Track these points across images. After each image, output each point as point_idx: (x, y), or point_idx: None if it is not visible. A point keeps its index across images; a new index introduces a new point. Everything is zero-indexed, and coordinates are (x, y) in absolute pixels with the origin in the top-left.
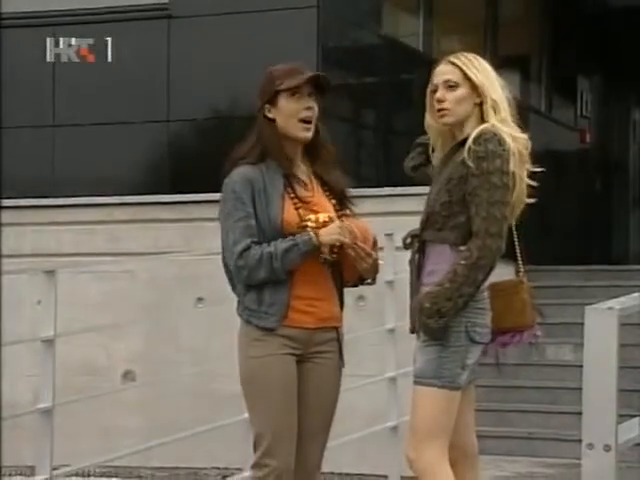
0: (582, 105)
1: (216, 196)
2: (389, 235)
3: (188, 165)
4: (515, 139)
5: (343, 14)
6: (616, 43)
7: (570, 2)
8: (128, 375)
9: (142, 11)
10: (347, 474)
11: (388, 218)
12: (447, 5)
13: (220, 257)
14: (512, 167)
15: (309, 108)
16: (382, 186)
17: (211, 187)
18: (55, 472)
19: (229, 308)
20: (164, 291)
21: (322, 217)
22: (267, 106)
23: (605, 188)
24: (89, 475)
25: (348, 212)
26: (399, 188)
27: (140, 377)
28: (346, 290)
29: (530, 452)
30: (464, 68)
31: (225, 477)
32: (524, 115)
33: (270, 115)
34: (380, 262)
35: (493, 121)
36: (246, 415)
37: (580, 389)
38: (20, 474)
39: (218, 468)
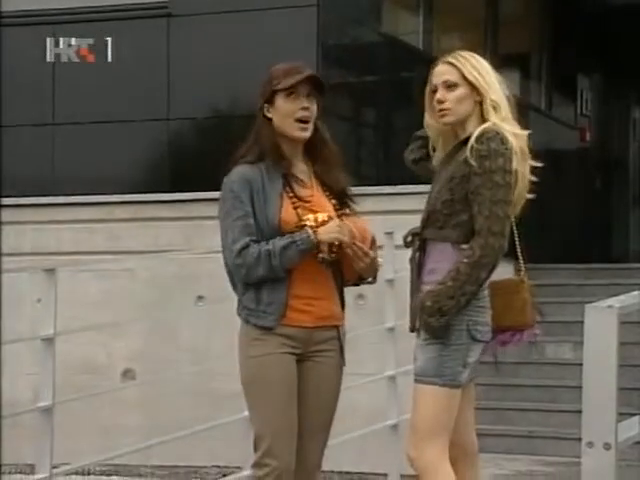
0: (582, 103)
1: (216, 194)
2: (389, 234)
3: (188, 164)
4: (516, 136)
5: (343, 12)
6: (616, 41)
7: (570, 0)
8: (128, 374)
9: (142, 10)
10: (347, 472)
11: (388, 217)
12: (447, 3)
13: (221, 256)
14: (514, 165)
15: (305, 108)
16: (382, 185)
17: (211, 185)
18: (55, 470)
19: (229, 307)
20: (164, 290)
21: (321, 217)
22: (266, 105)
23: (605, 186)
24: (89, 473)
25: (348, 211)
26: (399, 187)
27: (140, 375)
28: (346, 289)
29: (530, 450)
30: (461, 68)
31: (225, 475)
32: (524, 113)
33: (269, 114)
34: (380, 260)
35: (494, 119)
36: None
37: (580, 387)
38: (20, 472)
39: (218, 466)
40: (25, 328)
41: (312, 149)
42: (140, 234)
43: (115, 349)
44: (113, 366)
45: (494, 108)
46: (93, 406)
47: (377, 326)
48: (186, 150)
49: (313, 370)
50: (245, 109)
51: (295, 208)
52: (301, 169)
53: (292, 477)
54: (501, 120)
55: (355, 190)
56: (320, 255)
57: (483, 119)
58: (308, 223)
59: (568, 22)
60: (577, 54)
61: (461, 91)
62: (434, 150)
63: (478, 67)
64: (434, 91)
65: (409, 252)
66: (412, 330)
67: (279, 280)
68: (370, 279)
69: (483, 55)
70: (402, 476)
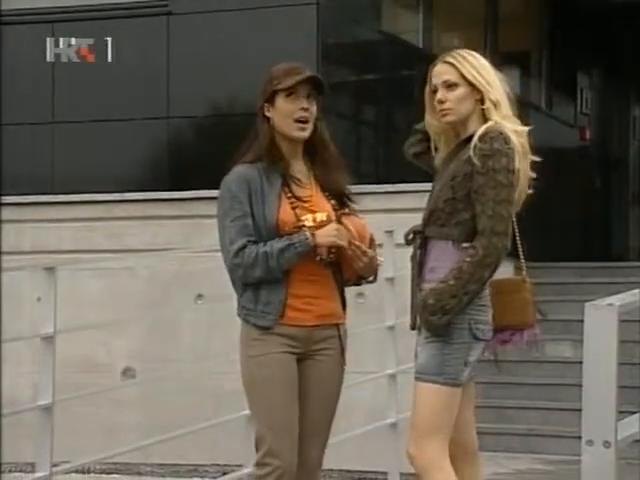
0: (582, 102)
1: (215, 193)
2: (389, 232)
3: (188, 162)
4: (518, 133)
5: (343, 11)
6: (616, 40)
7: None
8: (128, 372)
9: (142, 8)
10: (347, 471)
11: (388, 215)
12: (447, 1)
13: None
14: (517, 165)
15: (305, 109)
16: (382, 183)
17: (211, 184)
18: (55, 469)
19: (229, 305)
20: (164, 288)
21: (319, 217)
22: (266, 105)
23: (605, 185)
24: (89, 472)
25: (347, 210)
26: (399, 185)
27: (140, 374)
28: (346, 288)
29: (530, 449)
30: (460, 67)
31: (225, 474)
32: (524, 112)
33: (269, 114)
34: (380, 259)
35: (496, 118)
36: (245, 412)
37: (580, 386)
38: (20, 471)
39: (218, 465)
40: (25, 327)
41: (312, 150)
42: (140, 232)
43: (115, 347)
44: (113, 365)
45: (495, 106)
46: (93, 404)
47: (377, 324)
48: (186, 149)
49: (313, 369)
50: (245, 108)
51: (293, 208)
52: (300, 169)
53: (294, 476)
54: (502, 118)
55: (355, 188)
56: (318, 256)
57: (484, 117)
58: (307, 223)
59: (568, 20)
60: (577, 52)
61: (461, 90)
62: (436, 149)
63: (476, 65)
64: (434, 91)
65: (409, 250)
66: (413, 328)
67: (277, 280)
68: (370, 278)
69: (483, 53)
70: (402, 474)
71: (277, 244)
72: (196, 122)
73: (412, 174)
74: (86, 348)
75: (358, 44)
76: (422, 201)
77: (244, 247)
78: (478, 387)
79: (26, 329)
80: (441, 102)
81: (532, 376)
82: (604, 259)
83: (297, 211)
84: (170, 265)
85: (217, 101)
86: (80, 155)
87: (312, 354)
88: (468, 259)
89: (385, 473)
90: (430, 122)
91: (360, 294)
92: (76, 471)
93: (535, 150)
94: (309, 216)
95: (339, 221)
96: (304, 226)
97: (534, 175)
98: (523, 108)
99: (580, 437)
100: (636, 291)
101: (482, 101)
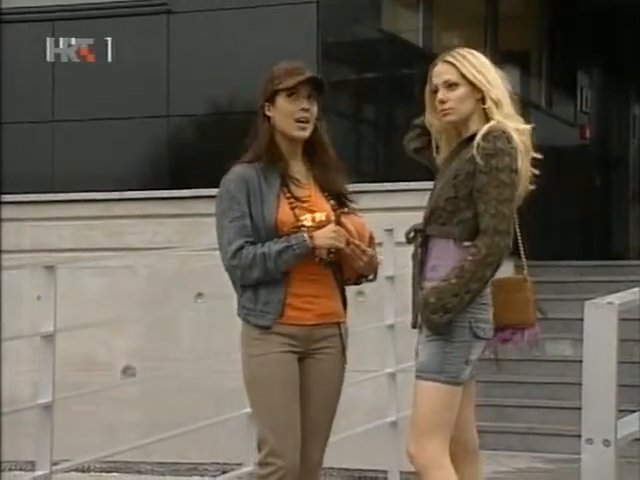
0: (582, 101)
1: (215, 191)
2: (389, 231)
3: (187, 161)
4: (520, 132)
5: (343, 10)
6: (616, 39)
7: None
8: (128, 371)
9: (142, 7)
10: (347, 469)
11: (388, 214)
12: (447, 0)
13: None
14: (519, 164)
15: (305, 110)
16: (382, 181)
17: (210, 182)
18: (55, 467)
19: (229, 304)
20: (164, 286)
21: (318, 216)
22: (267, 104)
23: (605, 183)
24: (89, 470)
25: (346, 210)
26: (399, 184)
27: (140, 373)
28: (346, 287)
29: (530, 447)
30: (460, 67)
31: (225, 472)
32: (524, 111)
33: (269, 113)
34: (380, 257)
35: (497, 117)
36: (245, 411)
37: (579, 384)
38: (20, 469)
39: (218, 463)
40: (25, 325)
41: (311, 151)
42: (140, 231)
43: (115, 346)
44: (113, 363)
45: (496, 105)
46: (93, 403)
47: (377, 323)
48: (186, 147)
49: (314, 367)
50: (245, 106)
51: (292, 208)
52: (299, 170)
53: (297, 476)
54: (504, 117)
55: (354, 187)
56: (317, 257)
57: (485, 116)
58: (306, 223)
59: (568, 19)
60: (577, 51)
61: (462, 90)
62: (437, 149)
63: (476, 65)
64: (435, 91)
65: (409, 249)
66: (414, 326)
67: (277, 280)
68: (370, 277)
69: (483, 52)
70: (401, 473)
71: (275, 246)
72: (196, 121)
73: (412, 173)
74: (86, 347)
75: (358, 43)
76: (422, 200)
77: (242, 248)
78: (478, 386)
79: (26, 328)
80: (442, 102)
81: (532, 375)
82: (604, 258)
83: (296, 211)
84: (170, 264)
85: (217, 100)
86: (80, 154)
87: (313, 353)
88: (470, 258)
89: (385, 472)
90: (431, 122)
91: (360, 293)
92: (76, 470)
93: (535, 149)
94: (308, 216)
95: (338, 220)
96: (303, 226)
97: (536, 172)
98: (523, 107)
99: (580, 436)
100: (636, 290)
101: (483, 100)
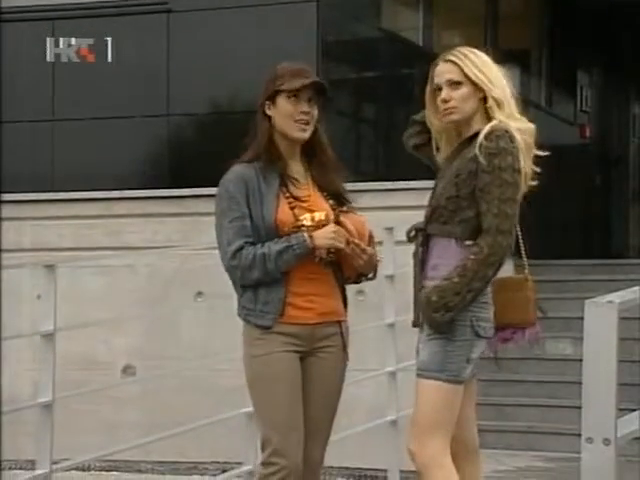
0: (582, 100)
1: (215, 190)
2: (389, 229)
3: (187, 160)
4: (522, 131)
5: (343, 8)
6: (616, 38)
7: None
8: (128, 370)
9: (142, 5)
10: (347, 468)
11: (388, 212)
12: None
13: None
14: (522, 164)
15: (306, 112)
16: (382, 180)
17: (210, 182)
18: (55, 466)
19: (229, 303)
20: (164, 285)
21: (318, 215)
22: (267, 103)
23: (605, 182)
24: (89, 469)
25: (345, 208)
26: (399, 182)
27: (140, 372)
28: (346, 285)
29: (530, 446)
30: (462, 66)
31: (225, 471)
32: (524, 110)
33: (269, 112)
34: (380, 256)
35: (499, 117)
36: (246, 409)
37: (580, 383)
38: (20, 468)
39: (218, 462)
40: (25, 324)
41: (309, 152)
42: (140, 230)
43: (115, 345)
44: (113, 362)
45: (498, 105)
46: (93, 402)
47: (377, 322)
48: (186, 146)
49: (316, 366)
50: (245, 105)
51: (292, 208)
52: (298, 170)
53: (300, 475)
54: (506, 117)
55: (354, 186)
56: (317, 257)
57: (487, 116)
58: (305, 222)
59: (568, 18)
60: (577, 50)
61: (465, 89)
62: (437, 148)
63: (478, 64)
64: (437, 90)
65: (409, 248)
66: (415, 325)
67: (276, 279)
68: (370, 275)
69: (484, 51)
70: (401, 472)
71: (275, 246)
72: (196, 120)
73: (412, 172)
74: (86, 346)
75: (358, 42)
76: (422, 198)
77: (242, 248)
78: (478, 385)
79: (26, 327)
80: (445, 101)
81: (532, 373)
82: (604, 256)
83: (295, 211)
84: (170, 263)
85: (217, 99)
86: (80, 153)
87: (315, 352)
88: (472, 257)
89: (385, 470)
90: (432, 121)
91: (360, 292)
92: (76, 468)
93: (539, 147)
94: (307, 215)
95: (337, 220)
96: (303, 226)
97: (538, 169)
98: (523, 106)
99: (580, 434)
100: (636, 288)
101: (485, 99)
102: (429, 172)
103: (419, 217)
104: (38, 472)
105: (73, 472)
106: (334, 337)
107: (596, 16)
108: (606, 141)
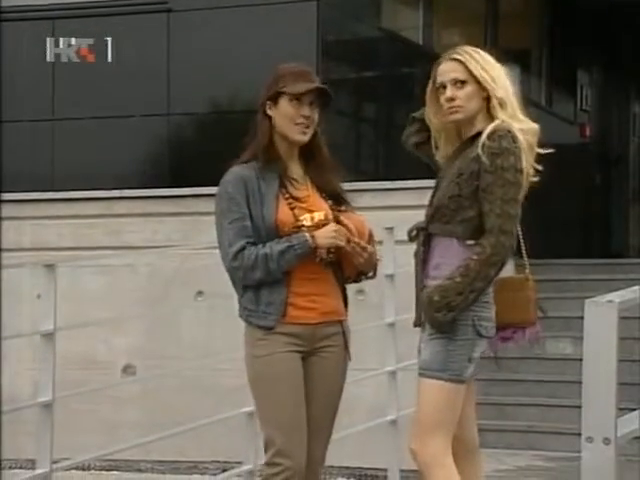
0: (582, 99)
1: (215, 190)
2: (389, 229)
3: (188, 159)
4: (525, 131)
5: (343, 8)
6: (616, 37)
7: None
8: (128, 369)
9: (142, 5)
10: (347, 467)
11: (388, 212)
12: None
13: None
14: (524, 164)
15: (307, 117)
16: (382, 180)
17: (210, 181)
18: (55, 465)
19: (229, 302)
20: (164, 285)
21: (317, 216)
22: (268, 103)
23: (605, 182)
24: (89, 468)
25: (345, 208)
26: (399, 182)
27: (140, 371)
28: (346, 285)
29: (530, 445)
30: (468, 65)
31: (225, 470)
32: (525, 109)
33: (270, 112)
34: (380, 255)
35: (502, 116)
36: (246, 409)
37: (580, 382)
38: (20, 467)
39: (218, 461)
40: (25, 324)
41: (308, 154)
42: (140, 229)
43: (115, 345)
44: (113, 362)
45: (501, 105)
46: (93, 402)
47: (377, 321)
48: (186, 146)
49: (317, 365)
50: (245, 105)
51: (292, 209)
52: (296, 170)
53: (304, 476)
54: (509, 117)
55: (354, 185)
56: (318, 257)
57: (490, 116)
58: (305, 223)
59: (568, 18)
60: (577, 50)
61: (470, 88)
62: (436, 147)
63: (482, 63)
64: (440, 88)
65: (409, 247)
66: (416, 324)
67: (278, 280)
68: (370, 274)
69: (486, 51)
70: (402, 471)
71: (277, 246)
72: (196, 119)
73: (412, 171)
74: (86, 345)
75: (358, 41)
76: (422, 198)
77: (243, 249)
78: (478, 384)
79: (26, 326)
80: (451, 100)
81: (532, 373)
82: (604, 256)
83: (295, 211)
84: (170, 262)
85: (217, 98)
86: (80, 152)
87: (316, 351)
88: (475, 257)
89: (385, 470)
90: (431, 119)
91: (360, 291)
92: (76, 468)
93: (541, 147)
94: (307, 216)
95: (337, 219)
96: (303, 226)
97: (539, 167)
98: (523, 105)
99: (580, 434)
100: (636, 288)
101: (488, 99)
102: (429, 171)
103: (419, 216)
104: (38, 471)
105: (73, 471)
106: (335, 336)
107: (596, 15)
108: (606, 140)
